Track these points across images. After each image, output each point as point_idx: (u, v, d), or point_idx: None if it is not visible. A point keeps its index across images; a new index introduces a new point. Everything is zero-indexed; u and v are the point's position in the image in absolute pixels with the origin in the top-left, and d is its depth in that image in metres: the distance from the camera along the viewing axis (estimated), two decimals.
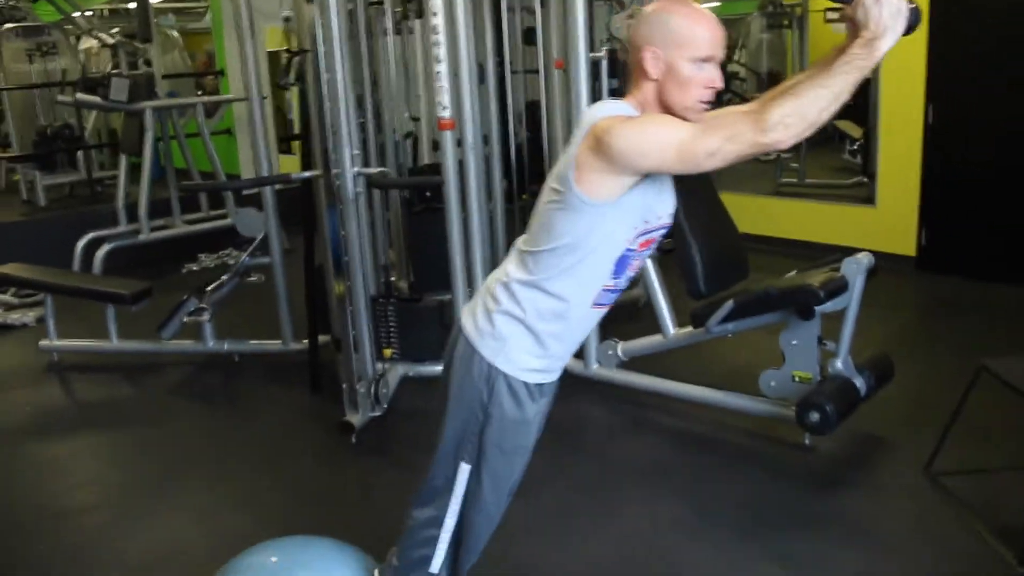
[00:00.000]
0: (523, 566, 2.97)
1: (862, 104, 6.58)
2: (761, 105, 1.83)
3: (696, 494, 3.43)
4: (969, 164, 5.82)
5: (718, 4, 8.66)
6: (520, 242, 2.09)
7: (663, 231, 2.09)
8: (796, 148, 7.83)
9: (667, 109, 1.94)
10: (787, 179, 7.82)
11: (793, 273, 3.87)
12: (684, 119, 1.91)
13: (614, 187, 1.90)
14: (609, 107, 1.96)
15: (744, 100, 9.10)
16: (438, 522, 2.25)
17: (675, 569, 2.94)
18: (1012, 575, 2.78)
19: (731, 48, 9.42)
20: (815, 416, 3.40)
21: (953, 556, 2.92)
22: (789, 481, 3.48)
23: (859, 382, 3.59)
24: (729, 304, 3.63)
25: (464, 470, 2.17)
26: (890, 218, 6.31)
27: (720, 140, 1.79)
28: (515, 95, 6.86)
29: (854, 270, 3.54)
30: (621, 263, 2.02)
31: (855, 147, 8.10)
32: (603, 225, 1.94)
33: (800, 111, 1.76)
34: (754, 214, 7.06)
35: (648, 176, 1.92)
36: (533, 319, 2.04)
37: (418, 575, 2.33)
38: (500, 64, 5.92)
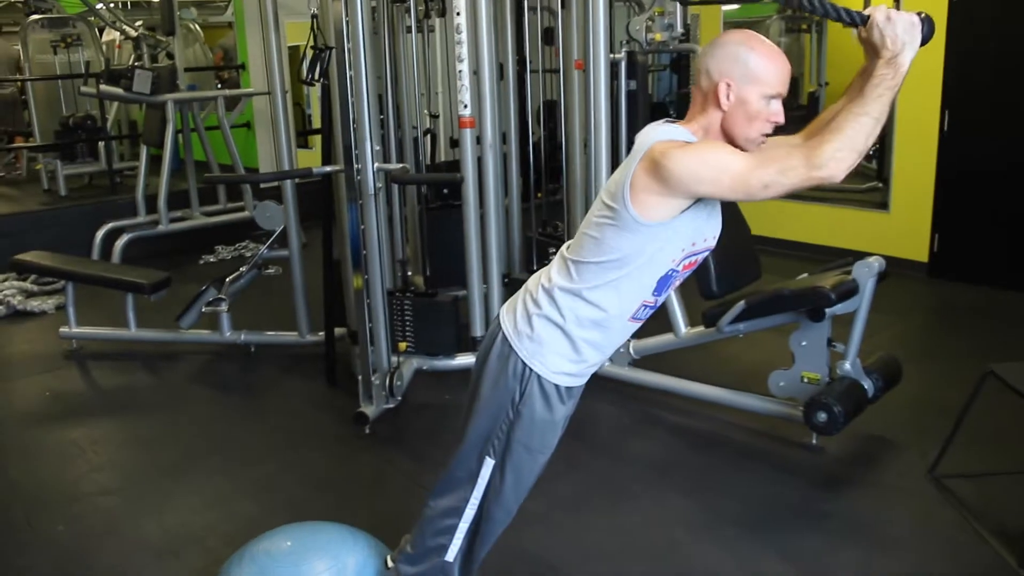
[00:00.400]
0: (530, 555, 3.03)
1: None
2: (809, 138, 1.89)
3: (704, 490, 3.47)
4: (982, 172, 5.85)
5: (737, 7, 8.68)
6: (565, 250, 2.15)
7: (707, 253, 2.15)
8: None
9: (729, 138, 1.99)
10: None
11: (805, 276, 3.92)
12: (742, 149, 1.96)
13: (667, 209, 1.95)
14: (668, 130, 2.00)
15: None
16: (458, 512, 2.32)
17: (681, 562, 2.99)
18: None
19: None
20: (823, 416, 3.45)
21: (955, 557, 2.96)
22: (796, 480, 3.53)
23: (867, 384, 3.64)
24: (741, 305, 3.68)
25: (489, 464, 2.24)
26: (903, 224, 6.34)
27: (775, 173, 1.84)
28: (533, 95, 6.94)
29: (865, 274, 3.58)
30: (663, 281, 2.08)
31: (871, 152, 8.11)
32: (652, 244, 2.00)
33: (849, 144, 1.80)
34: (769, 217, 7.09)
35: (700, 200, 1.97)
36: (572, 326, 2.10)
37: (433, 562, 2.40)
38: (520, 63, 5.98)
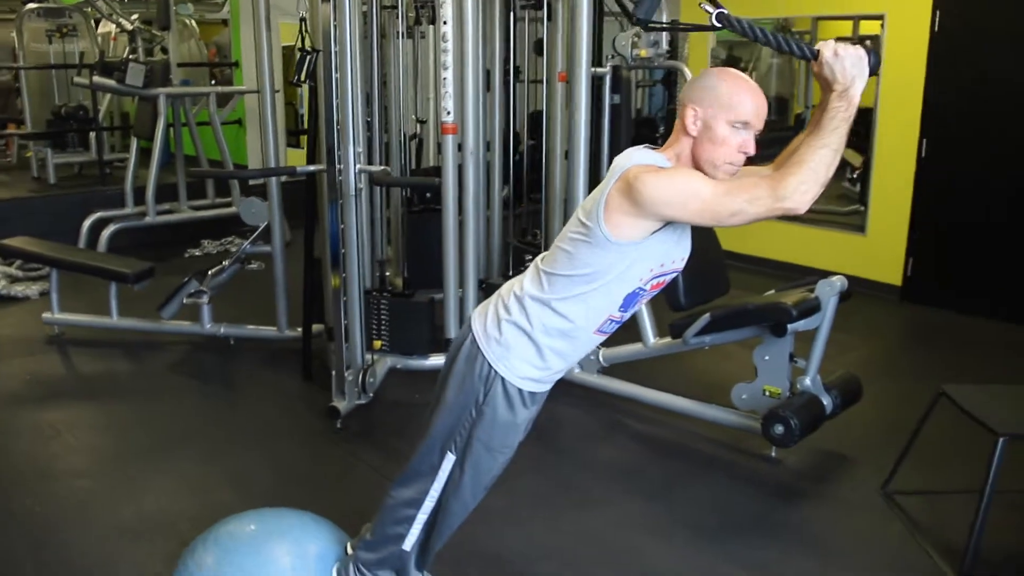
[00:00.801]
0: (488, 550, 3.12)
1: (863, 133, 6.74)
2: (776, 171, 1.98)
3: (663, 497, 3.57)
4: (957, 199, 5.98)
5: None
6: (540, 261, 2.26)
7: (674, 275, 2.26)
8: None
9: (697, 165, 2.09)
10: None
11: (771, 292, 4.02)
12: (711, 176, 2.06)
13: (638, 230, 2.05)
14: (643, 155, 2.11)
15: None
16: (417, 504, 2.42)
17: (635, 565, 3.08)
18: None
19: (740, 70, 9.56)
20: (779, 428, 3.56)
21: (898, 569, 3.07)
22: (753, 490, 3.63)
23: (826, 400, 3.74)
24: (706, 317, 3.78)
25: (450, 459, 2.34)
26: (879, 247, 6.46)
27: (742, 202, 1.94)
28: (522, 104, 7.03)
29: (827, 292, 3.69)
30: (630, 299, 2.19)
31: (854, 176, 8.24)
32: (622, 263, 2.10)
33: (812, 176, 1.90)
34: (748, 235, 7.20)
35: (669, 224, 2.08)
36: (539, 333, 2.20)
37: (391, 550, 2.50)
38: (509, 73, 6.08)
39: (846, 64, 1.94)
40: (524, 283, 2.25)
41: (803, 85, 8.38)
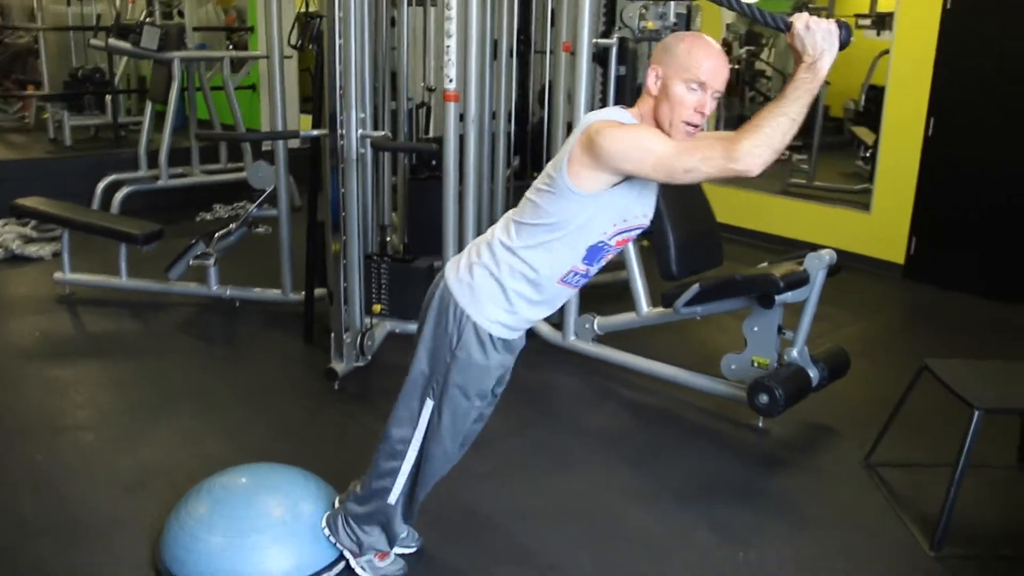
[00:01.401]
0: (471, 509, 3.21)
1: (876, 112, 6.74)
2: (736, 134, 2.04)
3: (647, 462, 3.65)
4: (962, 180, 6.00)
5: (754, 2, 8.77)
6: (511, 212, 2.36)
7: (639, 231, 2.34)
8: (807, 150, 8.01)
9: (658, 124, 2.17)
10: (796, 180, 7.96)
11: (764, 264, 4.08)
12: (669, 135, 2.13)
13: (597, 182, 2.14)
14: (609, 112, 2.20)
15: (767, 99, 9.27)
16: (400, 455, 2.54)
17: (614, 526, 3.17)
18: (923, 558, 3.00)
19: (759, 47, 9.56)
20: (764, 398, 3.63)
21: (873, 536, 3.14)
22: (737, 458, 3.70)
23: (812, 372, 3.80)
24: (695, 287, 3.85)
25: (428, 405, 2.45)
26: (883, 226, 6.49)
27: (696, 160, 2.02)
28: (535, 75, 7.05)
29: (816, 265, 3.75)
30: (593, 251, 2.27)
31: (867, 154, 8.23)
32: (583, 213, 2.19)
33: (766, 141, 1.97)
34: (757, 211, 7.28)
35: (630, 179, 2.15)
36: (506, 277, 2.29)
37: (377, 504, 2.62)
38: (523, 43, 6.10)
39: (816, 37, 1.99)
40: (495, 231, 2.35)
41: None
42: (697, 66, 2.09)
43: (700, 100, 2.12)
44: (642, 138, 2.09)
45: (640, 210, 2.27)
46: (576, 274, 2.32)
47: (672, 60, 2.12)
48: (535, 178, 2.34)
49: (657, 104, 2.15)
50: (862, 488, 3.47)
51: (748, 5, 2.12)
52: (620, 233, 2.26)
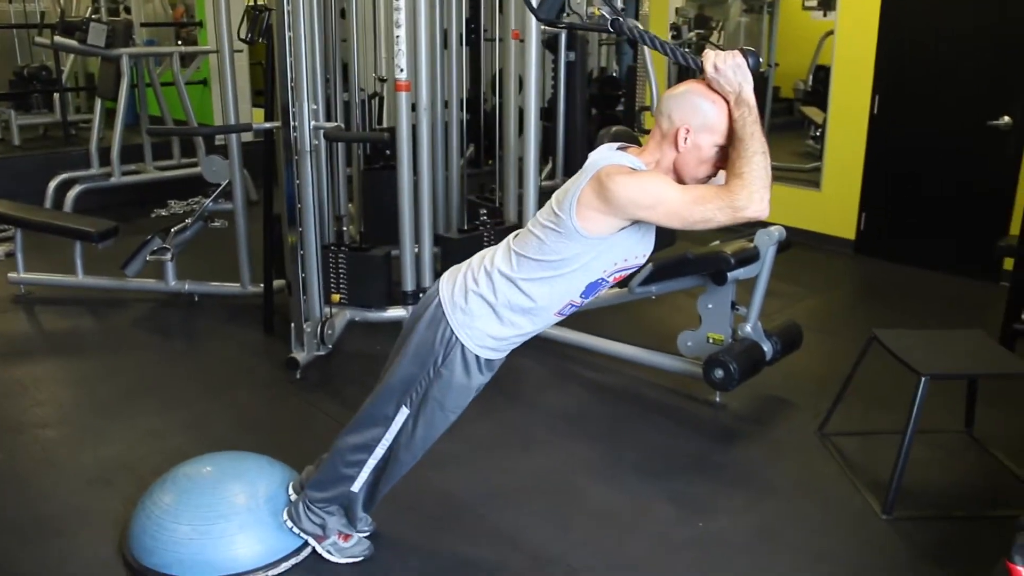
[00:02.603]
0: (438, 490, 3.26)
1: (824, 91, 6.86)
2: (727, 187, 2.07)
3: (608, 440, 3.72)
4: (907, 155, 6.14)
5: (669, 44, 8.83)
6: (512, 240, 2.38)
7: (636, 269, 2.40)
8: None
9: (678, 176, 2.20)
10: None
11: (716, 243, 4.16)
12: (682, 183, 2.18)
13: (606, 226, 2.17)
14: (620, 157, 2.21)
15: None
16: (368, 449, 2.58)
17: (578, 502, 3.24)
18: (876, 521, 3.10)
19: (709, 31, 9.66)
20: (719, 373, 3.71)
21: (828, 502, 3.24)
22: (695, 433, 3.79)
23: (766, 346, 3.90)
24: (649, 267, 3.92)
25: (404, 413, 2.50)
26: (834, 203, 6.62)
27: (712, 210, 2.06)
28: (486, 63, 7.07)
29: (765, 241, 3.83)
30: (591, 287, 2.33)
31: (816, 133, 8.35)
32: (588, 254, 2.23)
33: (756, 183, 2.02)
34: None
35: (636, 222, 2.19)
36: (502, 308, 2.34)
37: (340, 490, 2.67)
38: (473, 31, 6.13)
39: (728, 75, 2.06)
40: (496, 259, 2.37)
41: (766, 45, 8.47)
42: (724, 131, 2.13)
43: (721, 157, 2.17)
44: (655, 187, 2.11)
45: (642, 250, 2.32)
46: (571, 306, 2.38)
47: (704, 123, 2.13)
48: (490, 166, 2.37)
49: (681, 159, 2.17)
50: (817, 457, 3.57)
51: (666, 44, 2.23)
52: (619, 271, 2.32)
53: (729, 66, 2.05)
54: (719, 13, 9.31)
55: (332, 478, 2.67)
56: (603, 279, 2.31)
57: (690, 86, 2.18)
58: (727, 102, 2.09)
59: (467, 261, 2.47)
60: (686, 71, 7.69)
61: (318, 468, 2.74)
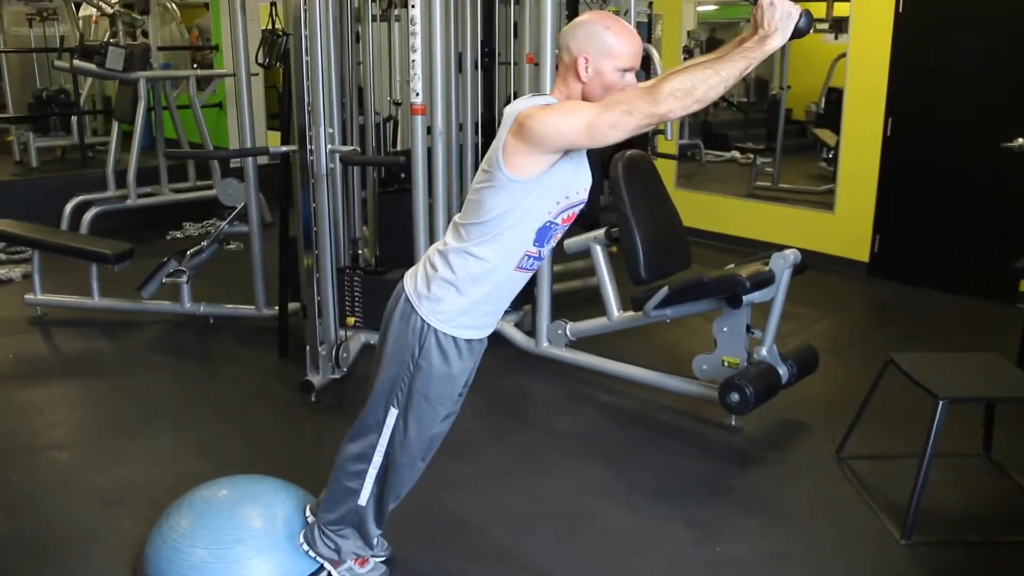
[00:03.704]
0: (450, 512, 3.26)
1: (836, 113, 6.87)
2: (657, 82, 2.13)
3: (622, 463, 3.71)
4: (921, 177, 6.13)
5: (714, 8, 8.91)
6: (456, 216, 2.40)
7: (581, 206, 2.40)
8: (771, 153, 8.13)
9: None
10: (761, 183, 8.07)
11: (731, 266, 4.15)
12: None
13: (536, 166, 2.21)
14: (532, 100, 2.26)
15: (730, 104, 9.39)
16: (366, 458, 2.58)
17: (589, 525, 3.22)
18: (894, 547, 3.08)
19: None
20: (735, 396, 3.70)
21: (844, 526, 3.21)
22: (710, 456, 3.77)
23: (782, 369, 3.88)
24: (664, 290, 3.91)
25: (393, 414, 2.50)
26: (847, 225, 6.60)
27: (619, 113, 2.09)
28: (501, 87, 7.09)
29: (781, 264, 3.83)
30: (542, 232, 2.33)
31: (829, 155, 8.35)
32: (526, 199, 2.25)
33: (689, 87, 2.06)
34: (724, 214, 7.38)
35: (566, 155, 2.23)
36: (463, 281, 2.34)
37: (348, 507, 2.66)
38: (488, 55, 6.15)
39: (776, 14, 2.07)
40: (447, 239, 2.40)
41: (778, 67, 8.49)
42: (627, 54, 2.20)
43: (629, 81, 2.22)
44: (569, 111, 2.17)
45: (579, 184, 2.34)
46: (529, 257, 2.37)
47: (601, 48, 2.19)
48: None
49: (588, 88, 2.23)
50: (833, 481, 3.55)
51: None
52: (564, 211, 2.33)
53: (782, 9, 2.07)
54: (731, 35, 9.30)
55: (338, 495, 2.66)
56: (551, 222, 2.32)
57: (587, 15, 2.25)
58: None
59: (424, 254, 2.50)
60: None
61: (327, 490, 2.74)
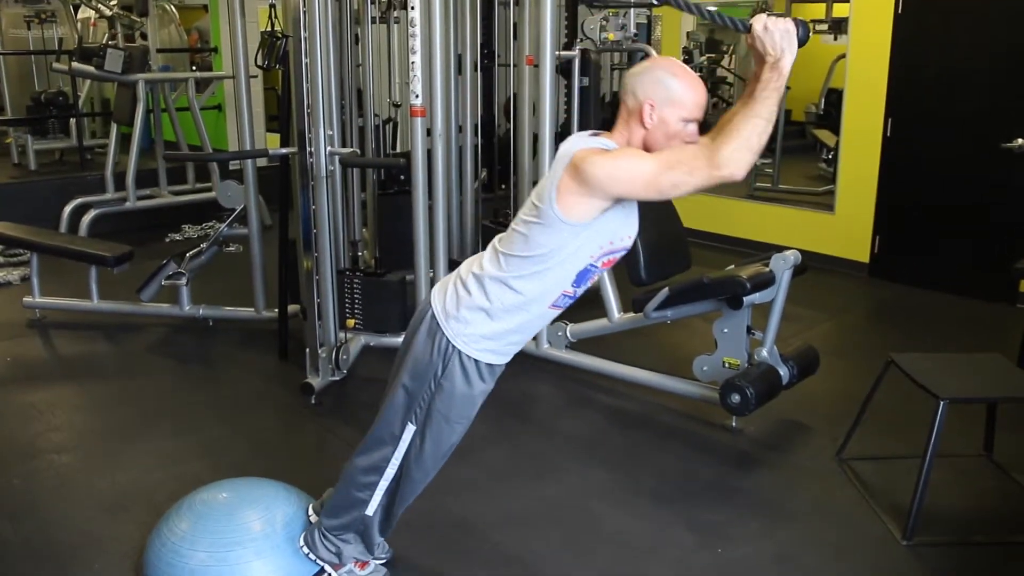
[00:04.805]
0: (454, 516, 3.25)
1: (836, 114, 6.87)
2: (713, 141, 2.08)
3: (625, 465, 3.70)
4: (921, 178, 6.12)
5: (713, 9, 8.90)
6: (497, 242, 2.39)
7: (624, 252, 2.39)
8: (771, 154, 8.12)
9: (648, 152, 2.19)
10: (761, 184, 8.08)
11: (731, 267, 4.15)
12: None
13: (589, 209, 2.18)
14: (591, 140, 2.22)
15: (730, 105, 9.38)
16: (379, 471, 2.56)
17: (593, 528, 3.22)
18: (896, 548, 3.07)
19: (720, 55, 9.69)
20: (736, 398, 3.69)
21: (846, 528, 3.21)
22: (712, 458, 3.76)
23: (783, 371, 3.88)
24: (665, 291, 3.91)
25: (410, 430, 2.48)
26: (847, 225, 6.60)
27: (682, 174, 2.07)
28: (500, 88, 7.09)
29: (781, 265, 3.82)
30: (582, 275, 2.32)
31: (829, 156, 8.36)
32: (574, 241, 2.23)
33: (744, 144, 2.03)
34: (724, 215, 7.37)
35: (619, 202, 2.20)
36: (497, 310, 2.33)
37: (354, 515, 2.64)
38: (487, 56, 6.15)
39: (775, 37, 2.05)
40: (483, 263, 2.37)
41: None
42: (692, 104, 2.16)
43: (692, 132, 2.19)
44: (629, 160, 2.13)
45: (627, 231, 2.32)
46: (565, 296, 2.37)
47: (667, 97, 2.15)
48: (503, 191, 2.37)
49: (650, 136, 2.18)
50: (835, 482, 3.54)
51: (708, 9, 2.21)
52: (607, 255, 2.32)
53: (779, 29, 2.04)
54: (730, 37, 9.35)
55: (345, 504, 2.65)
56: (592, 265, 2.30)
57: (654, 61, 2.22)
58: (762, 64, 2.07)
59: (455, 271, 2.47)
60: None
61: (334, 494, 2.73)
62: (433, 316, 2.39)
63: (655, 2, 2.29)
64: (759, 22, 2.06)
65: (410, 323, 2.51)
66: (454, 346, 2.35)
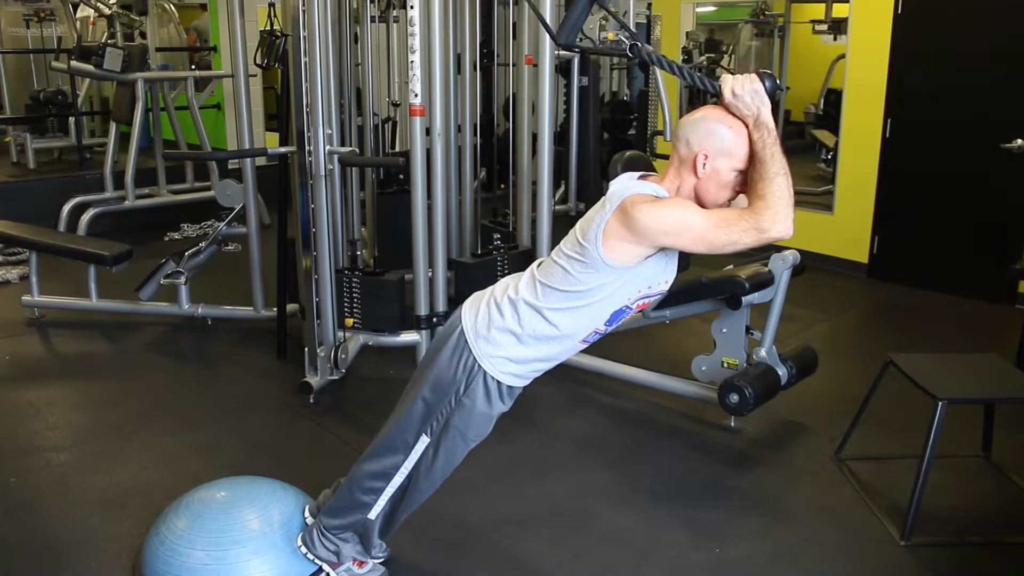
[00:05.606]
0: (452, 515, 3.25)
1: (835, 115, 6.87)
2: (751, 210, 2.08)
3: (623, 465, 3.70)
4: (920, 178, 6.12)
5: (713, 9, 8.92)
6: (536, 269, 2.39)
7: (660, 297, 2.41)
8: None
9: (699, 201, 2.20)
10: None
11: (730, 267, 4.15)
12: (704, 207, 2.19)
13: (633, 255, 2.18)
14: (642, 186, 2.21)
15: None
16: (387, 477, 2.56)
17: (591, 527, 3.22)
18: (894, 548, 3.07)
19: (720, 55, 9.70)
20: (734, 397, 3.69)
21: (844, 528, 3.21)
22: (710, 458, 3.76)
23: (781, 370, 3.88)
24: None
25: (424, 441, 2.49)
26: (846, 226, 6.60)
27: (737, 233, 2.07)
28: (500, 87, 7.10)
29: (780, 266, 3.83)
30: (616, 315, 2.33)
31: (828, 156, 8.36)
32: (614, 284, 2.24)
33: (778, 204, 2.04)
34: None
35: (663, 249, 2.20)
36: (527, 336, 2.34)
37: (356, 517, 2.65)
38: (487, 56, 6.16)
39: (746, 100, 2.08)
40: (520, 288, 2.37)
41: (777, 68, 8.50)
42: (743, 155, 2.14)
43: (741, 181, 2.18)
44: (681, 213, 2.12)
45: (666, 276, 2.33)
46: (596, 333, 2.38)
47: (720, 148, 2.14)
48: (502, 191, 2.37)
49: (702, 185, 2.18)
50: (833, 482, 3.54)
51: (685, 69, 2.26)
52: (643, 298, 2.33)
53: (747, 91, 2.07)
54: (729, 37, 9.35)
55: (348, 505, 2.65)
56: (627, 307, 2.32)
57: (707, 111, 2.19)
58: (746, 125, 2.10)
59: (489, 289, 2.47)
60: (698, 95, 7.78)
61: (334, 494, 2.73)
62: (462, 333, 2.39)
63: (630, 55, 2.28)
64: (727, 87, 2.10)
65: (436, 335, 2.53)
66: (480, 366, 2.36)
